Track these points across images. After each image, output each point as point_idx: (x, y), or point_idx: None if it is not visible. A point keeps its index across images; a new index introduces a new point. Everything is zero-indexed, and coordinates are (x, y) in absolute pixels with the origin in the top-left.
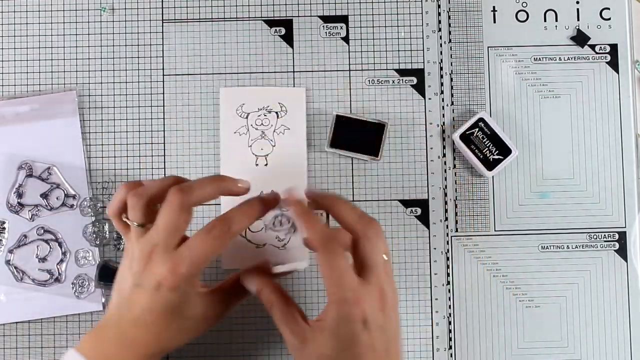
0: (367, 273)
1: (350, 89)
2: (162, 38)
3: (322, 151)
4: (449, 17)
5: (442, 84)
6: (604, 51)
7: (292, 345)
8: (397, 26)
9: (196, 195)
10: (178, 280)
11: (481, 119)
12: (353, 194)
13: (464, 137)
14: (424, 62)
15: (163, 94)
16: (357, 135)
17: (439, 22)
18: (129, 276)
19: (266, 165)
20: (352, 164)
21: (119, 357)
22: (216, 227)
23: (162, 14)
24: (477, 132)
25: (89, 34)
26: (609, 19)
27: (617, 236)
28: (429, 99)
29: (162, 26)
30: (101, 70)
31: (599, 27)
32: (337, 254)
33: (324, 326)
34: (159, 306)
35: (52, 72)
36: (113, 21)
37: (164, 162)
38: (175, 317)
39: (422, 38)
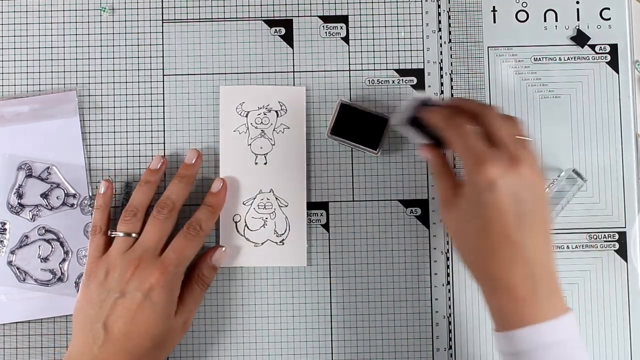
0: (495, 142)
1: (350, 88)
2: (162, 38)
3: (321, 151)
4: (449, 17)
5: (442, 84)
6: (604, 51)
7: (443, 202)
8: (397, 26)
9: (175, 201)
10: (168, 280)
11: None
12: (353, 194)
13: None
14: (424, 62)
15: (163, 94)
16: (359, 126)
17: (439, 22)
18: (101, 294)
19: (265, 164)
20: (352, 163)
21: None
22: (190, 228)
23: (162, 14)
24: None
25: (89, 34)
26: (609, 19)
27: (617, 236)
28: None
29: (162, 26)
30: (101, 70)
31: (599, 27)
32: (459, 125)
33: (462, 192)
34: (148, 311)
35: (52, 72)
36: (113, 21)
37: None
38: (162, 321)
39: (422, 38)
